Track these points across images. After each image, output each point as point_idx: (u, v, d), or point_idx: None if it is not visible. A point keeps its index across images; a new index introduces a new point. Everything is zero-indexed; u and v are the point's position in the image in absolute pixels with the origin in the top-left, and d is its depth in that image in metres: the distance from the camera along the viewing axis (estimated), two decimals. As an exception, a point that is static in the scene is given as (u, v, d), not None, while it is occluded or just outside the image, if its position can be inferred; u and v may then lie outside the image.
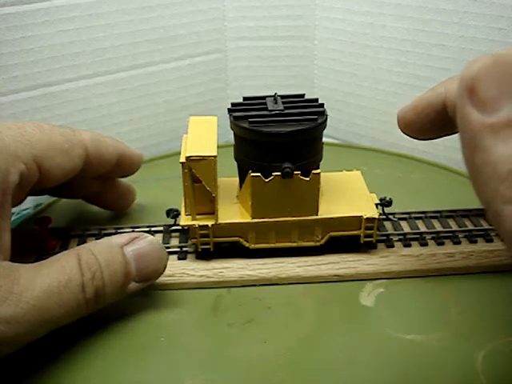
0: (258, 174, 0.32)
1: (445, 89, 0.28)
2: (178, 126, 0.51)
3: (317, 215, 0.34)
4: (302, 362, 0.29)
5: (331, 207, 0.35)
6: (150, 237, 0.31)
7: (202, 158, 0.31)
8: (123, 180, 0.40)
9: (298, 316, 0.32)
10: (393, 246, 0.36)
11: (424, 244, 0.36)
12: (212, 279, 0.34)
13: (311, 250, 0.35)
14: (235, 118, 0.32)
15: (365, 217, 0.34)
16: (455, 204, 0.39)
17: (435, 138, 0.31)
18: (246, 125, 0.32)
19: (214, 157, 0.31)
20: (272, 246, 0.34)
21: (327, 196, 0.35)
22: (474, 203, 0.40)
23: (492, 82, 0.18)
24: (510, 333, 0.30)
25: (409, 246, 0.36)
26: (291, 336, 0.30)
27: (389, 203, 0.36)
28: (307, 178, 0.32)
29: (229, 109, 0.33)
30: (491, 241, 0.36)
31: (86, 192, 0.39)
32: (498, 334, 0.30)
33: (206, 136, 0.33)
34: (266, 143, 0.28)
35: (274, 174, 0.32)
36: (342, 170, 0.39)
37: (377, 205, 0.35)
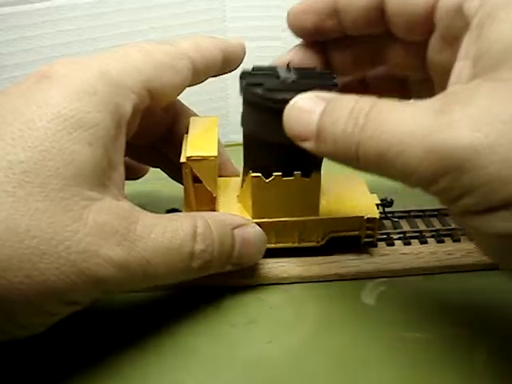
0: (259, 175, 0.32)
1: None
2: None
3: (317, 216, 0.34)
4: (305, 361, 0.29)
5: (332, 208, 0.35)
6: (257, 227, 0.32)
7: (203, 159, 0.31)
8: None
9: (301, 315, 0.32)
10: (393, 245, 0.36)
11: (424, 242, 0.36)
12: (213, 279, 0.34)
13: (311, 250, 0.35)
14: (248, 84, 0.31)
15: (365, 217, 0.34)
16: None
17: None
18: (259, 91, 0.30)
19: (215, 157, 0.31)
20: (272, 246, 0.34)
21: (328, 196, 0.35)
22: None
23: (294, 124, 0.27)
24: (511, 331, 0.30)
25: (409, 244, 0.36)
26: (294, 336, 0.30)
27: (390, 204, 0.36)
28: (308, 179, 0.32)
29: (241, 75, 0.32)
30: (491, 239, 0.36)
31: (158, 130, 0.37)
32: (500, 332, 0.30)
33: (206, 136, 0.33)
34: (279, 111, 0.27)
35: (274, 174, 0.32)
36: (342, 171, 0.39)
37: (377, 205, 0.36)
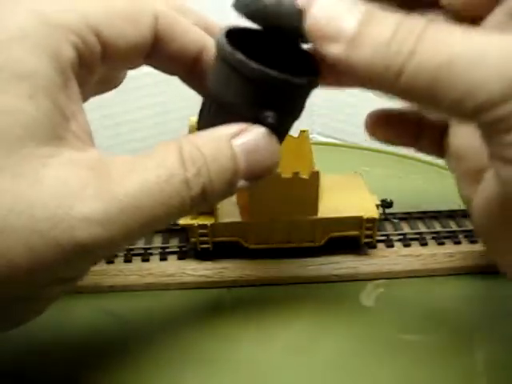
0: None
1: None
2: (178, 126, 0.51)
3: (316, 215, 0.34)
4: (302, 362, 0.29)
5: (331, 207, 0.35)
6: (262, 128, 0.26)
7: None
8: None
9: (298, 316, 0.32)
10: (393, 246, 0.36)
11: (424, 244, 0.36)
12: (212, 279, 0.34)
13: (311, 250, 0.35)
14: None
15: (365, 217, 0.34)
16: (455, 204, 0.39)
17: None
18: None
19: None
20: (271, 246, 0.34)
21: (327, 196, 0.35)
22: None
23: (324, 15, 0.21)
24: (510, 332, 0.30)
25: (409, 246, 0.36)
26: (292, 336, 0.30)
27: (389, 205, 0.36)
28: (307, 177, 0.32)
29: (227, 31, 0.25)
30: (491, 241, 0.36)
31: None
32: (498, 334, 0.30)
33: None
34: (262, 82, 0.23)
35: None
36: (342, 171, 0.39)
37: (377, 206, 0.35)
